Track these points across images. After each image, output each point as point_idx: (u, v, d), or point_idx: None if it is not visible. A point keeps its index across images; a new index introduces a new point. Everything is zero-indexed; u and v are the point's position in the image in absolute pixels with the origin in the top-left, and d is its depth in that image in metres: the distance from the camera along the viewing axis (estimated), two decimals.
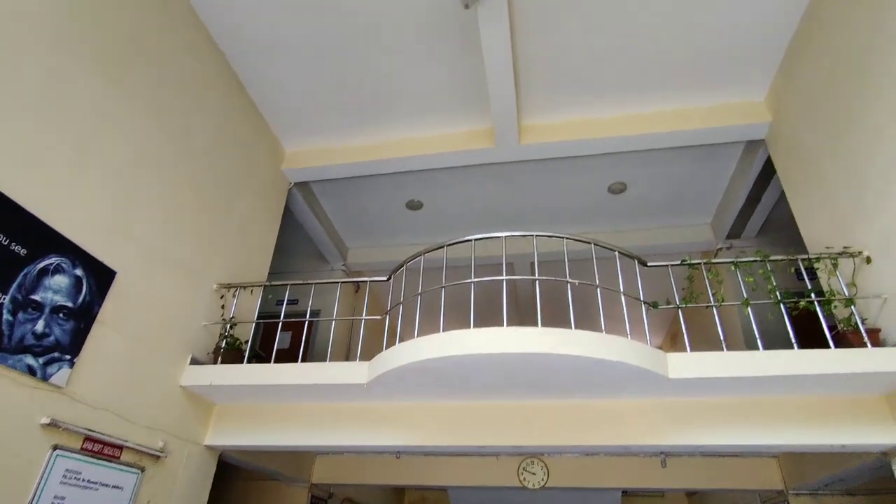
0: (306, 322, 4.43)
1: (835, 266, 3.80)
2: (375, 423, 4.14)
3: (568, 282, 3.65)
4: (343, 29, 4.69)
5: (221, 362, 4.25)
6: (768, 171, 5.51)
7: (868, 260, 3.69)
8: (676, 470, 5.57)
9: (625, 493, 9.48)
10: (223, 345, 4.32)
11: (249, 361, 4.25)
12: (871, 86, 3.66)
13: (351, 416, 4.21)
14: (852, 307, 3.61)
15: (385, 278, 4.39)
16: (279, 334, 7.32)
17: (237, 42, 4.84)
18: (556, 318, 3.89)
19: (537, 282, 3.68)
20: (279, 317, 4.45)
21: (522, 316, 8.88)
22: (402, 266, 4.23)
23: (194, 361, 4.18)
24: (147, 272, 3.81)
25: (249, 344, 4.35)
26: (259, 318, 4.75)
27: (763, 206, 6.04)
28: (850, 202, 3.95)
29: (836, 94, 4.07)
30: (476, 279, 3.66)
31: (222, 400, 4.40)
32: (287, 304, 7.27)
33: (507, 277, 3.63)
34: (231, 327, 4.42)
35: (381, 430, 4.10)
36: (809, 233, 4.50)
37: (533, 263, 7.55)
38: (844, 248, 3.78)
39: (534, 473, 5.82)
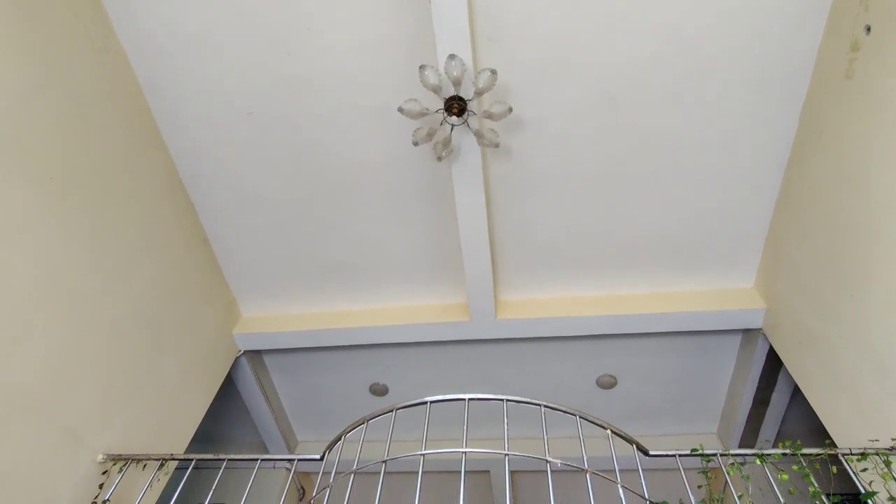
0: None
1: (888, 465, 2.97)
2: None
3: (548, 461, 2.77)
4: (316, 189, 4.63)
5: None
6: (774, 366, 4.94)
7: None
8: None
9: None
10: None
11: None
12: (868, 258, 3.37)
13: None
14: None
15: (318, 456, 3.45)
16: None
17: (206, 196, 4.74)
18: None
19: (507, 458, 2.79)
20: None
21: None
22: (339, 439, 3.34)
23: None
24: None
25: None
26: None
27: (775, 409, 5.29)
28: (883, 390, 3.31)
29: (832, 270, 3.77)
30: (427, 451, 2.78)
31: None
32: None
33: (468, 450, 2.76)
34: None
35: None
36: (838, 430, 3.73)
37: (513, 472, 6.44)
38: (893, 439, 3.01)
39: None
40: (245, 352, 5.48)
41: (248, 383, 5.72)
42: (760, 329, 4.83)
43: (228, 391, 5.77)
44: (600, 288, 5.09)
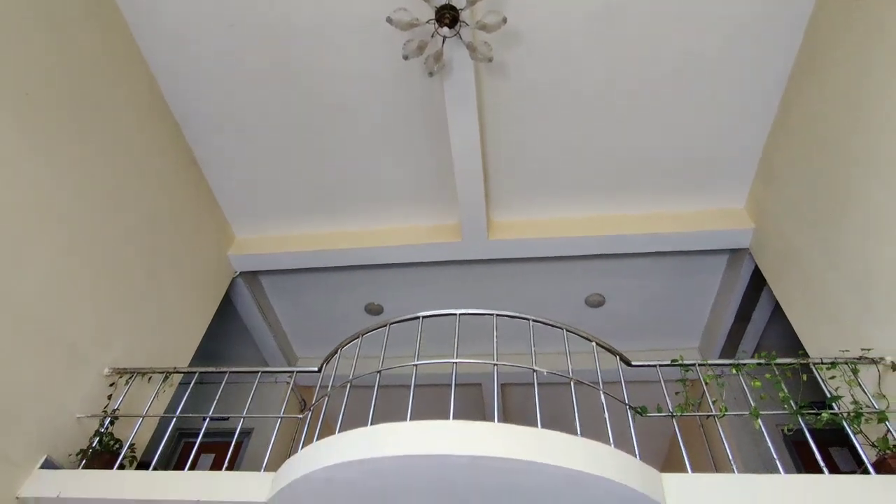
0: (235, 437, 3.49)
1: (854, 373, 3.15)
2: None
3: (534, 370, 2.92)
4: (306, 109, 4.49)
5: (85, 467, 3.24)
6: (757, 284, 5.07)
7: (893, 366, 3.06)
8: None
9: None
10: (95, 445, 3.34)
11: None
12: (859, 178, 3.38)
13: None
14: (887, 424, 2.89)
15: (315, 369, 3.60)
16: (199, 457, 6.15)
17: (192, 116, 4.60)
18: None
19: (496, 368, 2.94)
20: (205, 435, 3.52)
21: None
22: (336, 352, 3.48)
23: (48, 465, 3.17)
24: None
25: (129, 442, 3.37)
26: (175, 433, 3.77)
27: (755, 325, 5.49)
28: (857, 305, 3.43)
29: (820, 191, 3.80)
30: (420, 362, 2.92)
31: None
32: (215, 419, 6.22)
33: (459, 360, 2.90)
34: (111, 423, 3.47)
35: None
36: (813, 345, 3.90)
37: (503, 384, 6.77)
38: (863, 350, 3.17)
39: None
40: (241, 273, 5.55)
41: (246, 304, 5.85)
42: (747, 249, 4.91)
43: (228, 312, 5.91)
44: (592, 209, 5.10)
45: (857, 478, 2.61)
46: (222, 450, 6.10)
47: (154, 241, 4.30)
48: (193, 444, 4.01)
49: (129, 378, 3.72)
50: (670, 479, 2.67)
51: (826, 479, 2.62)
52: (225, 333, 6.31)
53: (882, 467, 2.77)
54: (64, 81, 3.52)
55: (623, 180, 4.85)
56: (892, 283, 3.11)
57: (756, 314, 5.35)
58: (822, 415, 2.96)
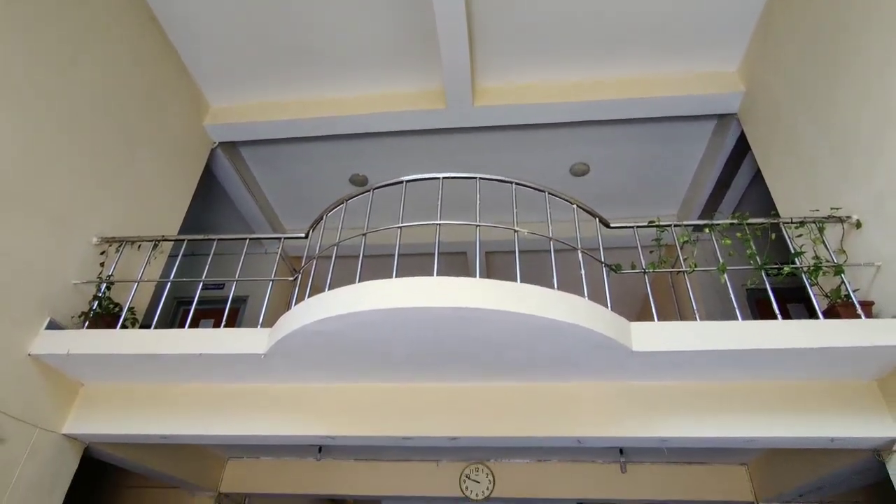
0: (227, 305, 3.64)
1: (821, 231, 3.30)
2: (276, 409, 3.37)
3: (515, 230, 3.02)
4: None
5: (89, 328, 3.42)
6: (741, 151, 5.09)
7: (858, 224, 3.21)
8: (637, 478, 4.94)
9: None
10: (95, 308, 3.50)
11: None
12: (853, 43, 3.28)
13: (250, 400, 3.43)
14: (842, 276, 3.10)
15: (302, 235, 3.68)
16: (199, 323, 6.46)
17: None
18: None
19: (478, 229, 3.04)
20: (201, 304, 3.64)
21: None
22: (321, 218, 3.53)
23: (53, 326, 3.34)
24: None
25: (128, 305, 3.52)
26: (173, 303, 3.91)
27: (733, 193, 5.62)
28: (834, 167, 3.50)
29: (815, 55, 3.70)
30: (404, 224, 2.99)
31: (91, 378, 3.56)
32: (210, 287, 6.45)
33: (443, 222, 2.98)
34: (108, 288, 3.60)
35: (282, 418, 3.34)
36: (786, 207, 4.03)
37: (487, 253, 7.02)
38: (832, 209, 3.29)
39: (478, 482, 5.09)
40: (220, 144, 5.40)
41: (229, 176, 5.77)
42: (735, 115, 4.85)
43: (212, 187, 5.85)
44: (581, 73, 4.91)
45: (805, 322, 2.86)
46: (220, 315, 6.42)
47: (122, 107, 4.10)
48: (191, 310, 4.20)
49: (119, 247, 3.78)
50: (638, 326, 2.91)
51: (777, 324, 2.87)
52: (211, 209, 6.32)
53: (831, 314, 3.03)
54: None
55: (612, 43, 4.62)
56: (870, 145, 3.15)
57: (736, 181, 5.45)
58: (784, 269, 3.16)
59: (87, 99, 3.74)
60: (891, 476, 2.98)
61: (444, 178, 3.17)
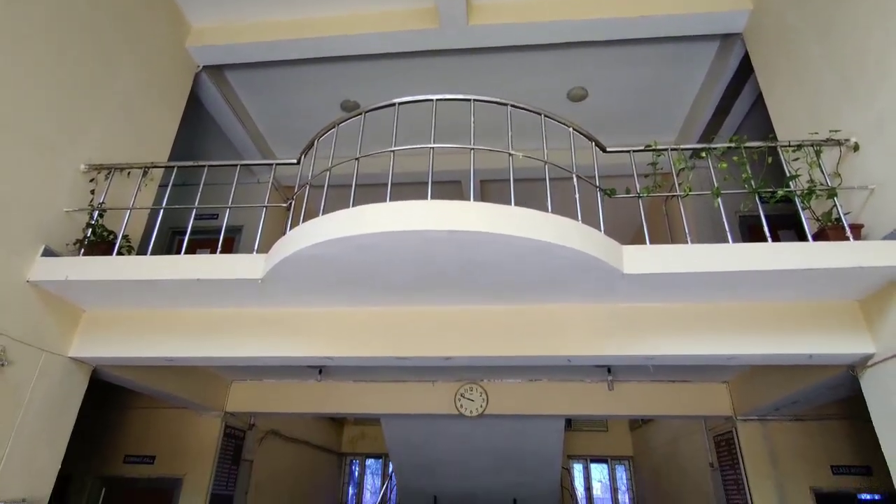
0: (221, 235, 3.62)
1: (818, 154, 3.27)
2: (275, 332, 3.47)
3: (510, 153, 2.98)
4: None
5: (85, 255, 3.43)
6: (743, 75, 4.94)
7: (856, 147, 3.18)
8: (623, 395, 5.19)
9: (568, 424, 9.31)
10: (89, 235, 3.50)
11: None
12: None
13: (248, 325, 3.52)
14: (835, 199, 3.11)
15: (294, 161, 3.63)
16: (191, 252, 6.48)
17: None
18: None
19: (472, 153, 3.00)
20: (196, 234, 3.62)
21: None
22: (312, 143, 3.47)
23: (48, 253, 3.35)
24: None
25: (122, 233, 3.52)
26: (168, 233, 3.88)
27: (732, 118, 5.51)
28: (838, 89, 3.42)
29: None
30: (398, 148, 2.95)
31: (92, 304, 3.62)
32: (204, 217, 6.42)
33: (436, 146, 2.93)
34: (101, 215, 3.58)
35: (281, 341, 3.44)
36: (786, 131, 3.97)
37: (482, 181, 6.96)
38: (831, 131, 3.25)
39: (472, 400, 5.35)
40: (205, 67, 5.18)
41: (217, 103, 5.59)
42: (740, 34, 4.66)
43: (201, 115, 5.68)
44: None
45: (794, 244, 2.90)
46: (215, 245, 6.44)
47: (95, 26, 3.88)
48: (185, 239, 4.19)
49: (108, 174, 3.72)
50: (629, 249, 2.95)
51: (766, 246, 2.91)
52: (202, 139, 6.18)
53: (820, 236, 3.07)
54: None
55: None
56: (876, 67, 3.06)
57: (737, 106, 5.33)
58: (778, 192, 3.16)
59: (53, 15, 3.54)
60: (863, 390, 3.14)
61: (437, 99, 3.09)
